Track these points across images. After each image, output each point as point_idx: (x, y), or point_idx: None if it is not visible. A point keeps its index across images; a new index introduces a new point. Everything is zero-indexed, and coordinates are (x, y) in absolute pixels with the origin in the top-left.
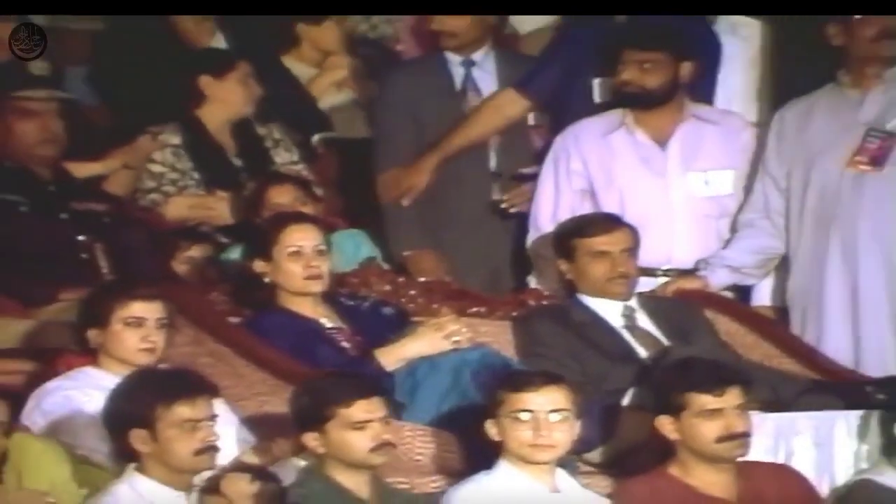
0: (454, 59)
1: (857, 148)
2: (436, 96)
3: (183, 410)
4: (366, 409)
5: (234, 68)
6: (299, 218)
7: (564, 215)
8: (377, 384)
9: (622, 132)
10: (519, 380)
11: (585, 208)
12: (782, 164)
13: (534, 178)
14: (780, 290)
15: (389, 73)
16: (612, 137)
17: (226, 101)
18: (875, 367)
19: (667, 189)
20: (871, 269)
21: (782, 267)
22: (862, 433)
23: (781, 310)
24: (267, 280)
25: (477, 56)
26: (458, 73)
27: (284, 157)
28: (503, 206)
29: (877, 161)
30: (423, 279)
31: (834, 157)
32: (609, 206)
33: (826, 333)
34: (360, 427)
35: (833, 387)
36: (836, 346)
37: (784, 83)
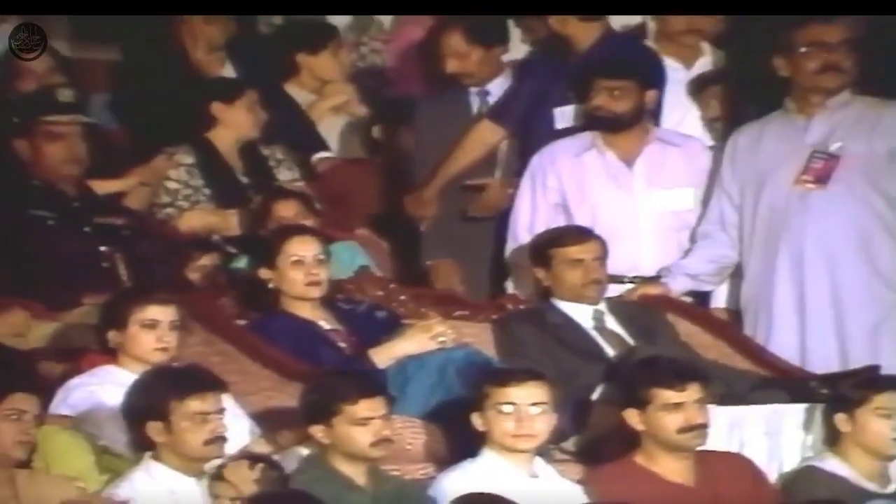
0: (473, 91)
1: (804, 168)
2: (457, 124)
3: (194, 404)
4: (369, 407)
5: (242, 95)
6: (301, 230)
7: (540, 227)
8: (380, 385)
9: (593, 152)
10: (504, 375)
11: (559, 221)
12: (736, 182)
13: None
14: (734, 295)
15: (421, 106)
16: (584, 157)
17: (235, 125)
18: (819, 364)
19: (633, 204)
20: (816, 277)
21: (736, 274)
22: (807, 425)
23: (735, 313)
24: (271, 286)
25: (492, 87)
26: (475, 102)
27: (286, 175)
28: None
29: (821, 179)
30: (436, 287)
31: (782, 175)
32: (582, 219)
33: (775, 334)
34: (363, 423)
35: (781, 383)
36: (784, 346)
37: (737, 109)
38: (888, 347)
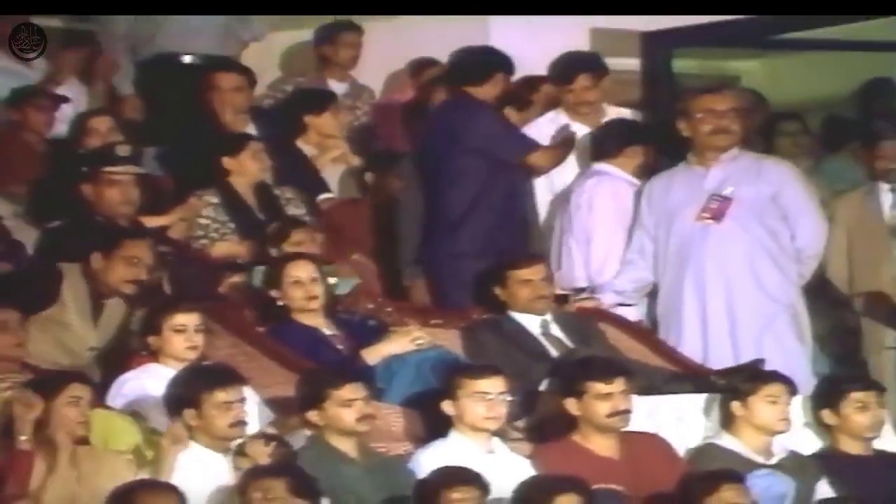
0: None
1: (704, 207)
2: None
3: (220, 395)
4: (351, 391)
5: (245, 148)
6: (297, 256)
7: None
8: (359, 373)
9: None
10: (476, 370)
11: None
12: (652, 218)
13: None
14: (651, 307)
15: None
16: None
17: (243, 173)
18: (717, 362)
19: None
20: (715, 294)
21: (653, 291)
22: (707, 410)
23: (652, 322)
24: (280, 303)
25: None
26: None
27: (294, 211)
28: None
29: (717, 217)
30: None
31: (687, 213)
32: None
33: (683, 339)
34: (348, 404)
35: (688, 377)
36: (690, 348)
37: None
38: (771, 348)
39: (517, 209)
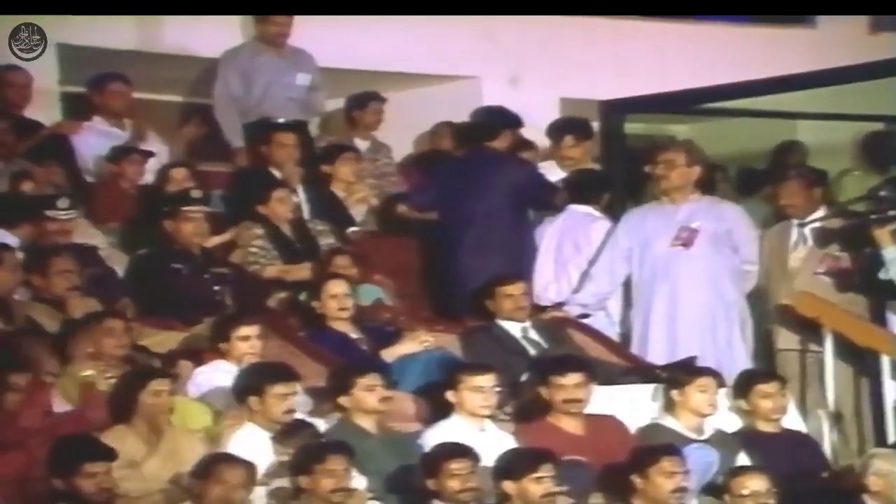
0: None
1: (675, 236)
2: None
3: (280, 388)
4: (373, 378)
5: (271, 194)
6: (334, 276)
7: None
8: (378, 366)
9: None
10: (474, 367)
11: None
12: (628, 242)
13: None
14: (626, 320)
15: None
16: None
17: (274, 213)
18: (686, 354)
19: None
20: (686, 304)
21: (626, 305)
22: (654, 397)
23: (624, 320)
24: (319, 312)
25: None
26: None
27: (326, 242)
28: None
29: (687, 244)
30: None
31: (662, 240)
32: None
33: (650, 336)
34: (371, 389)
35: (638, 370)
36: (657, 344)
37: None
38: (724, 344)
39: (524, 239)
